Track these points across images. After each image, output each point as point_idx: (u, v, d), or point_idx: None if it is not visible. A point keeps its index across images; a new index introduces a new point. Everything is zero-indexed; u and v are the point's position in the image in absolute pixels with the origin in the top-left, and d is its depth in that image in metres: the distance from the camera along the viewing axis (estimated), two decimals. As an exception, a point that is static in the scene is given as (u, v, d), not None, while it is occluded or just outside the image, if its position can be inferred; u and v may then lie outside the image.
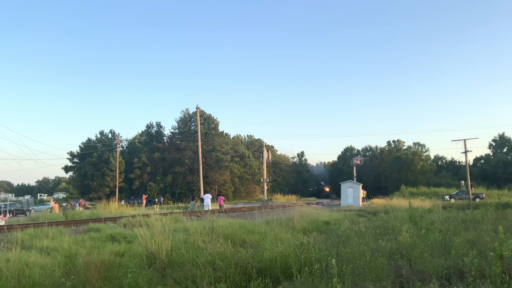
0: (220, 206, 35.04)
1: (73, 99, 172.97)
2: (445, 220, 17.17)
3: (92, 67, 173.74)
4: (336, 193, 78.03)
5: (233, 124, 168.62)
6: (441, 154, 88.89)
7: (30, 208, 40.90)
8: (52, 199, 45.72)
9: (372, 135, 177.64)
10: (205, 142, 63.93)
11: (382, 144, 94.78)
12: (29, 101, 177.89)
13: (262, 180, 50.55)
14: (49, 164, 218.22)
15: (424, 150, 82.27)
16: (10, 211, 35.80)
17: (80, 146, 69.61)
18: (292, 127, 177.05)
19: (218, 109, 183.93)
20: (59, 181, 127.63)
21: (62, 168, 70.61)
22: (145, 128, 74.97)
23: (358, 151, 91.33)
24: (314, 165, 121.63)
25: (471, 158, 75.22)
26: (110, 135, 70.91)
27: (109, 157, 64.98)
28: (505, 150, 73.29)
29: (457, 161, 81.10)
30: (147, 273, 8.00)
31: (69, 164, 69.79)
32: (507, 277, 6.78)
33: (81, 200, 47.42)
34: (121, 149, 66.40)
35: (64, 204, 38.80)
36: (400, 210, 23.55)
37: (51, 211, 36.26)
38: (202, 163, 45.68)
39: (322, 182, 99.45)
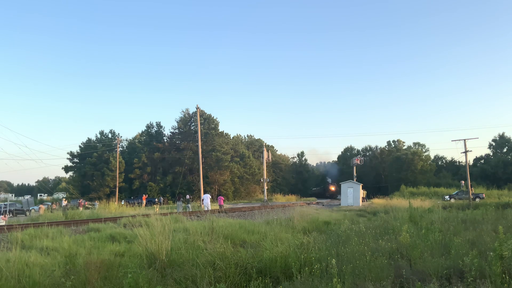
0: (220, 206, 35.05)
1: (73, 99, 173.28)
2: (445, 220, 17.16)
3: (92, 67, 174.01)
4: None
5: (233, 124, 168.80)
6: (441, 154, 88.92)
7: (30, 208, 40.91)
8: (64, 199, 45.87)
9: (372, 135, 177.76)
10: (205, 142, 63.90)
11: (382, 144, 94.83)
12: (29, 101, 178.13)
13: (262, 180, 50.55)
14: (49, 164, 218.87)
15: (424, 150, 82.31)
16: (10, 211, 35.81)
17: (80, 146, 69.69)
18: (292, 127, 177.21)
19: (218, 109, 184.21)
20: (59, 181, 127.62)
21: (62, 168, 70.74)
22: (145, 128, 75.01)
23: (358, 151, 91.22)
24: (314, 165, 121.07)
25: (471, 158, 75.23)
26: (110, 135, 70.91)
27: (109, 157, 64.96)
28: (505, 150, 73.28)
29: (457, 161, 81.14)
30: (147, 273, 8.00)
31: (69, 164, 69.82)
32: (507, 277, 6.78)
33: (81, 200, 47.48)
34: (121, 149, 66.38)
35: (63, 204, 38.81)
36: (400, 210, 23.54)
37: (51, 211, 36.29)
38: (202, 163, 45.66)
39: (329, 180, 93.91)
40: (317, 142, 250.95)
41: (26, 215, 36.31)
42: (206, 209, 30.43)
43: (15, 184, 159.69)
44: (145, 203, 49.90)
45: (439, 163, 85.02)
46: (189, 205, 35.27)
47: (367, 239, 11.33)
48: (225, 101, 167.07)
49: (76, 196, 59.50)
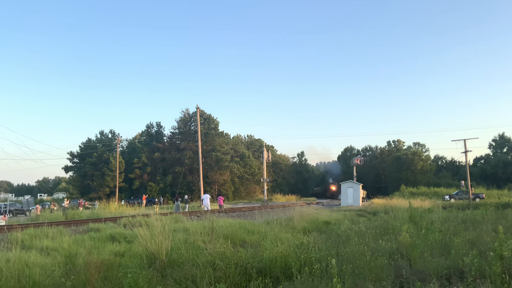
0: (220, 206, 35.02)
1: (73, 99, 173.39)
2: (445, 220, 17.17)
3: (92, 67, 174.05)
4: None
5: (233, 124, 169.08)
6: (441, 154, 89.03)
7: (30, 208, 40.89)
8: (66, 199, 45.90)
9: (372, 135, 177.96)
10: (205, 142, 63.89)
11: (382, 144, 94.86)
12: (29, 101, 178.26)
13: (262, 180, 50.52)
14: (49, 164, 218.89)
15: (424, 150, 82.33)
16: (10, 211, 35.81)
17: (80, 146, 69.68)
18: (292, 127, 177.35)
19: (218, 109, 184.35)
20: (59, 181, 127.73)
21: (62, 168, 70.76)
22: (145, 128, 74.98)
23: (358, 151, 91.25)
24: (314, 165, 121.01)
25: (471, 158, 75.25)
26: (110, 135, 70.90)
27: (109, 157, 64.94)
28: (505, 150, 73.27)
29: (457, 161, 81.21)
30: (147, 273, 7.99)
31: (69, 164, 69.82)
32: (507, 277, 6.78)
33: (81, 200, 47.46)
34: (121, 149, 66.37)
35: (64, 204, 38.82)
36: (400, 210, 23.54)
37: (51, 211, 36.29)
38: (202, 163, 45.65)
39: (330, 179, 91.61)
40: (317, 142, 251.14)
41: (26, 215, 36.33)
42: (206, 209, 30.40)
43: (15, 184, 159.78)
44: (145, 203, 49.88)
45: (439, 163, 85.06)
46: (187, 205, 35.21)
47: (367, 239, 11.33)
48: (225, 101, 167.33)
49: (76, 196, 59.48)
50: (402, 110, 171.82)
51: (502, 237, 7.84)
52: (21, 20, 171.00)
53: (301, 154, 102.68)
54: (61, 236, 13.75)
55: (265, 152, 49.30)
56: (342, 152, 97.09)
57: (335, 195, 71.41)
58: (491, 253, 7.49)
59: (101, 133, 71.60)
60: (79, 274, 8.01)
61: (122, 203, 42.92)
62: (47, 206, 46.45)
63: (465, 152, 43.59)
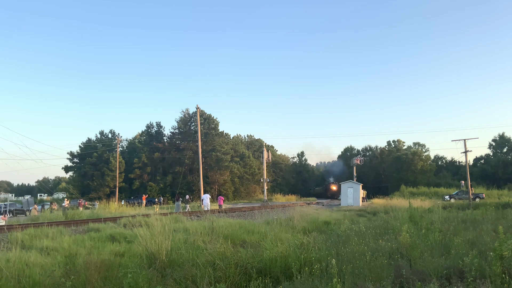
0: (220, 206, 35.04)
1: (73, 99, 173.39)
2: (445, 220, 17.17)
3: (92, 67, 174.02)
4: None
5: (233, 124, 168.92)
6: (441, 154, 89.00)
7: (30, 208, 40.89)
8: (66, 199, 45.85)
9: (372, 135, 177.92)
10: (205, 142, 63.88)
11: (382, 144, 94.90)
12: (29, 101, 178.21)
13: (262, 180, 50.53)
14: (49, 164, 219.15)
15: (424, 150, 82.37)
16: (10, 211, 35.81)
17: (80, 146, 69.65)
18: (292, 127, 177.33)
19: (218, 109, 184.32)
20: (59, 181, 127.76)
21: (62, 168, 70.71)
22: (145, 128, 74.97)
23: (358, 151, 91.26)
24: (314, 165, 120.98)
25: (471, 158, 75.22)
26: (110, 135, 70.88)
27: (109, 157, 64.94)
28: (505, 150, 73.29)
29: (457, 161, 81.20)
30: (147, 273, 7.99)
31: (69, 164, 69.78)
32: (507, 277, 6.78)
33: (81, 200, 47.45)
34: (121, 149, 66.37)
35: (64, 204, 38.80)
36: (400, 210, 23.53)
37: (51, 211, 36.28)
38: (202, 163, 45.65)
39: (331, 180, 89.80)
40: (317, 142, 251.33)
41: (26, 215, 36.32)
42: (206, 209, 30.41)
43: (15, 184, 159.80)
44: (145, 203, 49.87)
45: (439, 163, 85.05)
46: (188, 205, 35.20)
47: (367, 239, 11.33)
48: (225, 101, 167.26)
49: (76, 196, 59.48)
50: (402, 110, 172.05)
51: (502, 237, 7.84)
52: (21, 20, 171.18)
53: (301, 154, 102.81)
54: (61, 236, 13.76)
55: (265, 152, 49.30)
56: (342, 152, 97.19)
57: (335, 195, 70.55)
58: (491, 253, 7.49)
59: (101, 133, 71.62)
60: (79, 274, 8.02)
61: (122, 203, 42.91)
62: (46, 207, 46.42)
63: (465, 152, 43.57)
